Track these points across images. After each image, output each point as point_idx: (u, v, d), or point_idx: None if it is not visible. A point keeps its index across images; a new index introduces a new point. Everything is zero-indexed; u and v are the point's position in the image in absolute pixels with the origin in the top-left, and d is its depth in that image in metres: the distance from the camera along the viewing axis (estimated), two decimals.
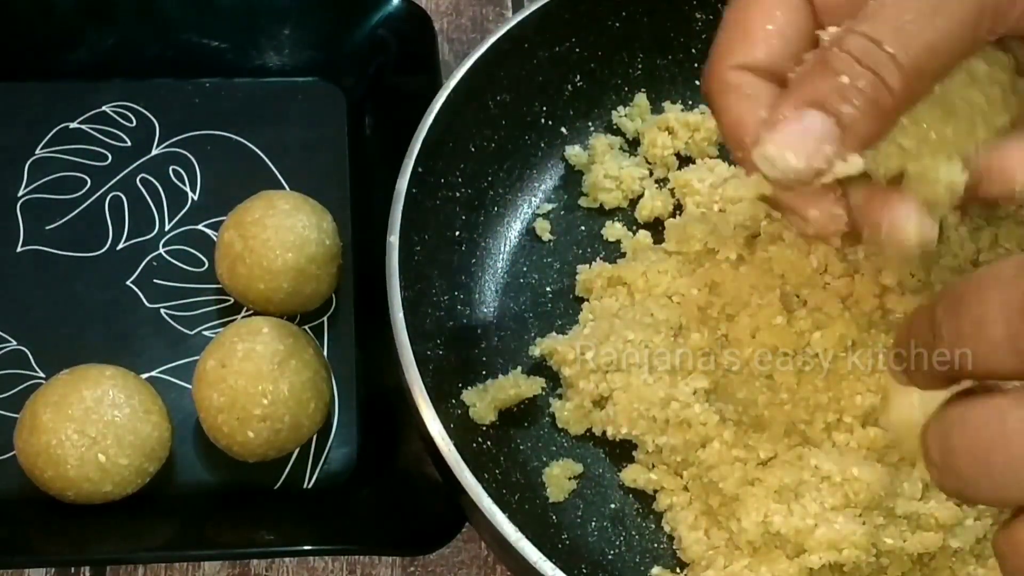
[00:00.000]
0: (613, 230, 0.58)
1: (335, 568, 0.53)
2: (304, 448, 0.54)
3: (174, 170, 0.61)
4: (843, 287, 0.51)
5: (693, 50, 0.61)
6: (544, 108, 0.59)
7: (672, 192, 0.59)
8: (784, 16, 0.41)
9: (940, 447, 0.33)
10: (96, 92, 0.63)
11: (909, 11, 0.36)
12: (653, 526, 0.50)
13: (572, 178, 0.60)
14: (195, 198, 0.61)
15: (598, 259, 0.57)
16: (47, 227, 0.59)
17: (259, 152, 0.62)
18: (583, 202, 0.59)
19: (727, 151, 0.58)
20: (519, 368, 0.53)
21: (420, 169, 0.52)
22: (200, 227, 0.60)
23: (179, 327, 0.57)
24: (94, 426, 0.49)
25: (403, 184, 0.51)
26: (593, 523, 0.51)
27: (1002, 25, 0.37)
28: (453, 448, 0.45)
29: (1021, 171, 0.39)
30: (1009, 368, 0.32)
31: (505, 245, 0.58)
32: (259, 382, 0.51)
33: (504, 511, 0.43)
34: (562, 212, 0.59)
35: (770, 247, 0.52)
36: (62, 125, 0.62)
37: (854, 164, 0.37)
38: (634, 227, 0.58)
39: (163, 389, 0.53)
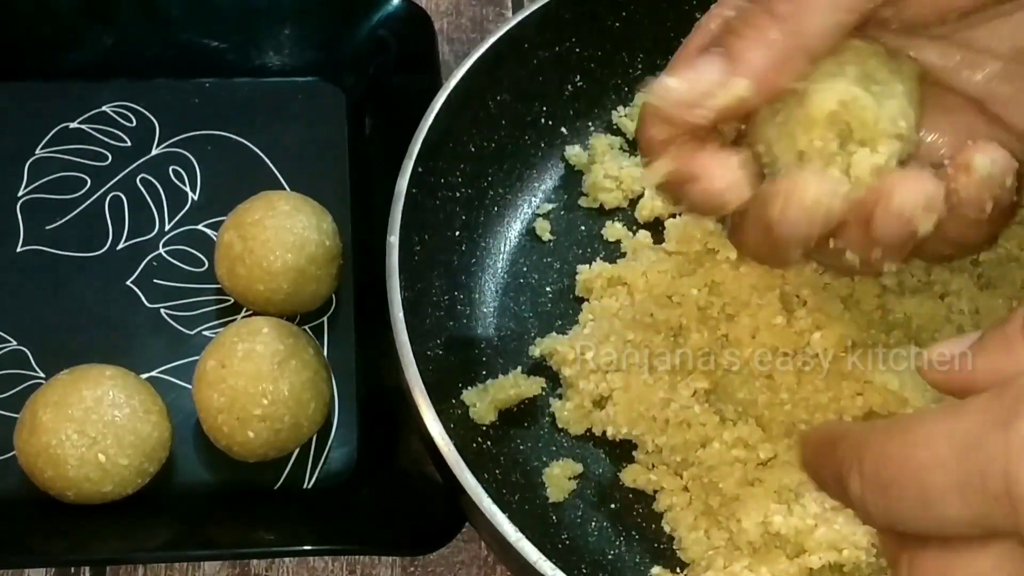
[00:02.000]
0: (613, 230, 0.58)
1: (335, 568, 0.53)
2: (304, 448, 0.54)
3: (174, 170, 0.61)
4: (843, 287, 0.51)
5: None
6: (544, 108, 0.59)
7: None
8: None
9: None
10: (96, 92, 0.63)
11: None
12: (653, 526, 0.50)
13: (572, 178, 0.60)
14: (195, 198, 0.61)
15: (598, 259, 0.57)
16: (47, 227, 0.59)
17: (259, 152, 0.62)
18: (583, 202, 0.59)
19: None
20: (519, 368, 0.53)
21: (420, 169, 0.52)
22: (200, 227, 0.60)
23: (179, 327, 0.57)
24: (94, 426, 0.49)
25: (403, 184, 0.51)
26: (593, 523, 0.51)
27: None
28: (453, 448, 0.45)
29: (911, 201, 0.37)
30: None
31: (505, 245, 0.58)
32: (259, 382, 0.51)
33: (504, 511, 0.43)
34: (562, 212, 0.59)
35: None
36: (62, 125, 0.62)
37: (739, 86, 0.37)
38: (634, 227, 0.58)
39: (163, 389, 0.53)
